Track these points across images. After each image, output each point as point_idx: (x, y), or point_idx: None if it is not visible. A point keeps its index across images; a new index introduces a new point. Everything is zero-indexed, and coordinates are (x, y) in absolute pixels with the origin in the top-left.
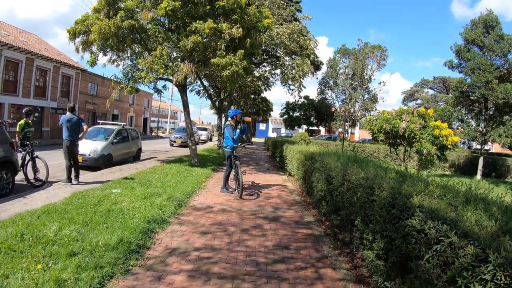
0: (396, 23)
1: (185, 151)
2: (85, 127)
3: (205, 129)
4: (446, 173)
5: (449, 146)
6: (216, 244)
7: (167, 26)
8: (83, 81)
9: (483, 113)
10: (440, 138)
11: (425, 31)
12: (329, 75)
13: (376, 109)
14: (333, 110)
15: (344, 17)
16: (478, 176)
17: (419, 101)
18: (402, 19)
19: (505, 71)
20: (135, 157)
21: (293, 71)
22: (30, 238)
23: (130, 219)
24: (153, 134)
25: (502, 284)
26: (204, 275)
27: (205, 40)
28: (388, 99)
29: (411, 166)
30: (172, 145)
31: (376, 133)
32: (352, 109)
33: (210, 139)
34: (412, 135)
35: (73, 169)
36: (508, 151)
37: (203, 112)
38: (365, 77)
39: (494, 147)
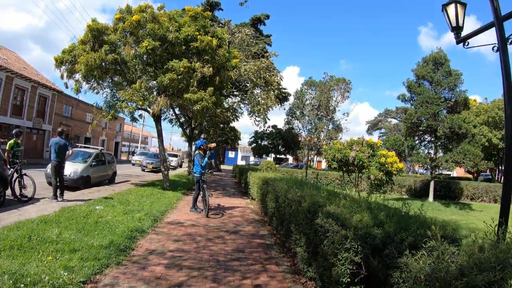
0: (365, 54)
1: (156, 176)
2: (70, 151)
3: (175, 156)
4: (403, 196)
5: (394, 172)
6: (186, 248)
7: (146, 61)
8: (59, 102)
9: (433, 141)
10: (386, 165)
11: (393, 62)
12: (295, 106)
13: (340, 138)
14: (299, 139)
15: (316, 48)
16: (430, 198)
17: (383, 130)
18: (371, 50)
19: (452, 103)
20: (110, 180)
21: (258, 106)
22: (37, 239)
23: (116, 228)
24: (129, 158)
25: (355, 249)
26: (177, 267)
27: (179, 77)
28: (357, 128)
29: (364, 190)
30: (143, 170)
31: (330, 161)
32: (316, 138)
33: (180, 166)
34: (360, 163)
35: (58, 187)
36: (469, 175)
37: (173, 138)
38: (330, 108)
39: (457, 172)
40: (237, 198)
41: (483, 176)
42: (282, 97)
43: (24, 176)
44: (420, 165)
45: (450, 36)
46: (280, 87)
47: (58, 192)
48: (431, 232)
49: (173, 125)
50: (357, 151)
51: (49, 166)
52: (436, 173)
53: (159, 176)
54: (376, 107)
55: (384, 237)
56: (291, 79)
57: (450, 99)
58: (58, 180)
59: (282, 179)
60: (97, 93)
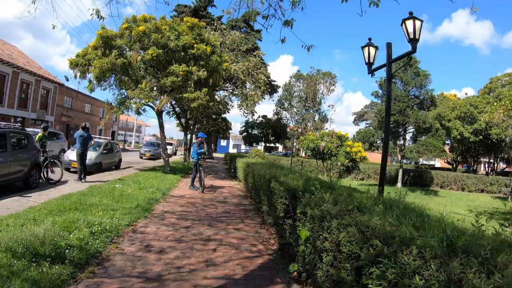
0: (359, 44)
1: (155, 163)
2: (93, 141)
3: (170, 144)
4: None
5: (358, 160)
6: (188, 210)
7: (150, 64)
8: (60, 94)
9: (401, 134)
10: (351, 154)
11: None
12: (284, 97)
13: (327, 129)
14: (288, 129)
15: (311, 38)
16: (399, 184)
17: (369, 121)
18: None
19: (419, 101)
20: (117, 166)
21: (246, 101)
22: (85, 204)
23: (137, 197)
24: (126, 147)
25: (285, 196)
26: (184, 219)
27: (179, 79)
28: (348, 118)
29: (335, 175)
30: (141, 157)
31: (305, 150)
32: (300, 128)
33: (175, 153)
34: (329, 152)
35: (82, 170)
36: (449, 166)
37: (166, 127)
38: (317, 100)
39: (440, 163)
40: (227, 180)
41: (465, 167)
42: (271, 89)
43: (53, 163)
44: (388, 155)
45: (444, 29)
46: (270, 79)
47: (82, 175)
48: (318, 186)
49: (170, 117)
50: (327, 141)
51: (67, 153)
52: (420, 163)
53: (156, 163)
54: (369, 97)
55: (296, 189)
56: (284, 69)
57: (418, 97)
58: (82, 165)
59: (259, 163)
60: (104, 89)
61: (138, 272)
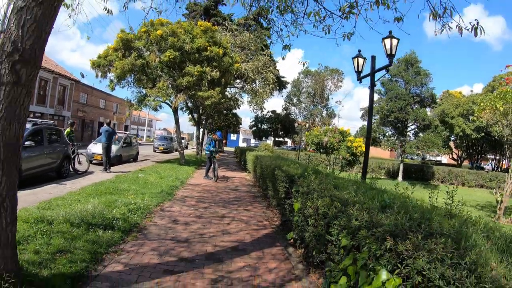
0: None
1: (168, 156)
2: (117, 136)
3: (182, 138)
4: (381, 177)
5: (358, 154)
6: (205, 195)
7: (167, 65)
8: (76, 91)
9: (403, 130)
10: (352, 148)
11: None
12: (293, 93)
13: (334, 124)
14: (296, 124)
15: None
16: (400, 178)
17: (376, 117)
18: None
19: (419, 98)
20: (134, 159)
21: (256, 98)
22: (117, 189)
23: (160, 185)
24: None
25: (285, 180)
26: (201, 202)
27: (194, 79)
28: (360, 113)
29: (337, 168)
30: (155, 151)
31: (310, 144)
32: (308, 124)
33: (186, 147)
34: (332, 146)
35: (107, 162)
36: (454, 162)
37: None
38: (324, 96)
39: (447, 159)
40: (237, 172)
41: (471, 164)
42: (280, 85)
43: (80, 155)
44: (390, 149)
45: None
46: (278, 76)
47: (107, 166)
48: (310, 172)
49: (183, 113)
50: (330, 136)
51: (89, 147)
52: (426, 159)
53: (170, 156)
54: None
55: (294, 175)
56: (294, 62)
57: (418, 95)
58: (107, 157)
59: (267, 156)
60: (123, 87)
61: (170, 237)
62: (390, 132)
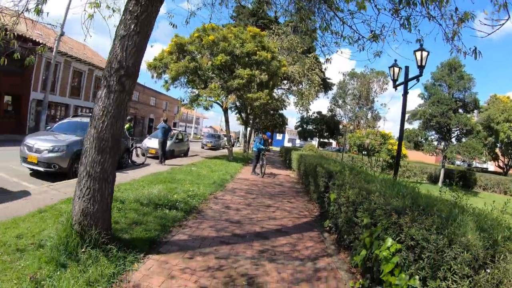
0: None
1: (216, 153)
2: (172, 132)
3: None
4: (423, 181)
5: None
6: (253, 188)
7: (218, 68)
8: None
9: (445, 135)
10: (392, 151)
11: (443, 47)
12: (338, 95)
13: (379, 127)
14: (341, 126)
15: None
16: (439, 183)
17: (419, 121)
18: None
19: (461, 103)
20: (185, 154)
21: (302, 100)
22: (174, 179)
23: (212, 177)
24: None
25: (325, 176)
26: (250, 193)
27: (244, 81)
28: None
29: (378, 170)
30: (203, 147)
31: (352, 146)
32: (353, 126)
33: (233, 145)
34: (373, 148)
35: (162, 155)
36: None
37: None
38: (370, 99)
39: (494, 167)
40: (282, 170)
41: None
42: (325, 87)
43: (138, 149)
44: (431, 154)
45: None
46: (324, 77)
47: (162, 159)
48: (346, 169)
49: (232, 112)
50: (372, 139)
51: (144, 141)
52: (473, 166)
53: (217, 153)
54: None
55: (332, 171)
56: (342, 62)
57: (461, 100)
58: (163, 151)
59: (310, 155)
60: (176, 87)
61: (224, 218)
62: (433, 137)
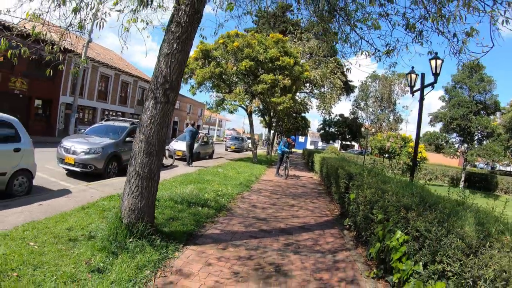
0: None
1: (240, 155)
2: (199, 135)
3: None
4: (444, 184)
5: (418, 159)
6: (277, 189)
7: (242, 73)
8: None
9: (466, 138)
10: (412, 154)
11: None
12: (360, 97)
13: (401, 129)
14: (362, 129)
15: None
16: (460, 186)
17: (440, 124)
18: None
19: (482, 106)
20: (210, 156)
21: (324, 104)
22: (203, 179)
23: (238, 178)
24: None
25: (345, 177)
26: (274, 193)
27: (268, 86)
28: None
29: (398, 173)
30: (226, 149)
31: (373, 148)
32: (374, 129)
33: (256, 148)
34: (393, 151)
35: (190, 157)
36: None
37: (246, 121)
38: (392, 101)
39: None
40: (305, 172)
41: None
42: (347, 90)
43: (166, 151)
44: (451, 156)
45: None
46: (346, 80)
47: (190, 161)
48: (365, 171)
49: (255, 115)
50: (392, 142)
51: (171, 144)
52: (496, 169)
53: (241, 155)
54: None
55: (353, 173)
56: (365, 63)
57: (482, 102)
58: (190, 153)
59: (332, 158)
60: (201, 91)
61: (251, 216)
62: (454, 139)
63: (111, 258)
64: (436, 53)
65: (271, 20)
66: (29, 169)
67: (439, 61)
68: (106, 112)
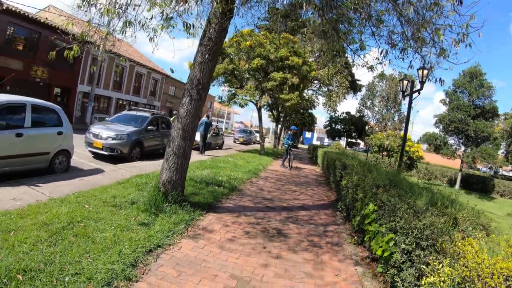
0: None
1: (248, 147)
2: (213, 126)
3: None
4: (442, 184)
5: (415, 158)
6: (282, 177)
7: (254, 70)
8: (166, 84)
9: (463, 140)
10: (409, 152)
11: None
12: (366, 97)
13: None
14: (367, 127)
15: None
16: (457, 186)
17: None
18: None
19: (480, 110)
20: (220, 147)
21: (330, 101)
22: (216, 165)
23: (248, 167)
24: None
25: (340, 167)
26: (279, 181)
27: (277, 83)
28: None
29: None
30: (235, 142)
31: (373, 146)
32: (378, 128)
33: (263, 140)
34: (391, 149)
35: (203, 147)
36: None
37: (254, 115)
38: (397, 101)
39: None
40: (309, 165)
41: None
42: (354, 89)
43: None
44: (448, 158)
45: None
46: (353, 79)
47: (203, 150)
48: (356, 162)
49: (264, 110)
50: (391, 141)
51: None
52: (499, 173)
53: (249, 147)
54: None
55: (346, 164)
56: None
57: (480, 107)
58: (203, 143)
59: (333, 152)
60: (213, 85)
61: (259, 196)
62: (452, 141)
63: (153, 217)
64: (424, 63)
65: (282, 19)
66: (69, 149)
67: (425, 71)
68: (121, 102)
